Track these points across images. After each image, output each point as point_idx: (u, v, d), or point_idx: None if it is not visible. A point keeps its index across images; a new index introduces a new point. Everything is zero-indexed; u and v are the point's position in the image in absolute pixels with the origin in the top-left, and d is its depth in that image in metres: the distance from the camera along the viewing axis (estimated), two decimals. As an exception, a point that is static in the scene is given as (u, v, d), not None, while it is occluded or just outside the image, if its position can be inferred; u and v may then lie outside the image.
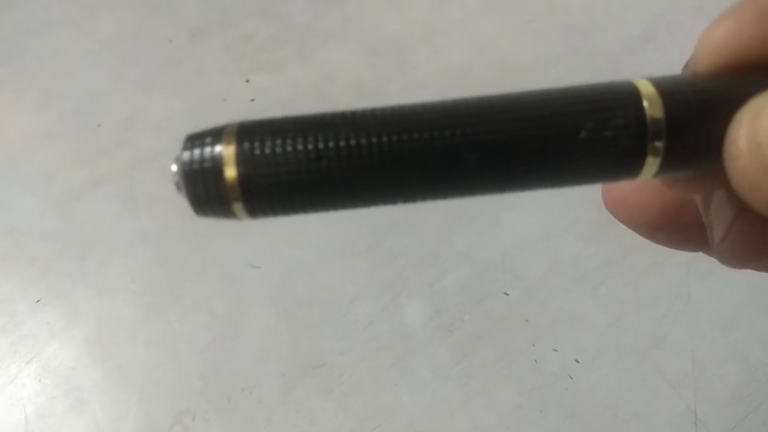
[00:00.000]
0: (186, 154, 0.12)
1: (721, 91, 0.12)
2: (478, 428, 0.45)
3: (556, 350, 0.48)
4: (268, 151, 0.12)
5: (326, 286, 0.51)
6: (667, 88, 0.12)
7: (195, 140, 0.12)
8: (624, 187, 0.17)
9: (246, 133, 0.12)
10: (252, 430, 0.46)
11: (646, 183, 0.16)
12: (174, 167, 0.12)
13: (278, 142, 0.12)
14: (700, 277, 0.50)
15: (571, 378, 0.47)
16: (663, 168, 0.12)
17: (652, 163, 0.12)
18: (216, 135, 0.12)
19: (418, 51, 0.63)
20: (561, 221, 0.53)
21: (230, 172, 0.12)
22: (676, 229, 0.17)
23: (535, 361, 0.48)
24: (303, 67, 0.62)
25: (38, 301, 0.50)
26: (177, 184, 0.12)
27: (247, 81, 0.61)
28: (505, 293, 0.50)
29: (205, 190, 0.12)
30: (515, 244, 0.52)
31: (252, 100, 0.61)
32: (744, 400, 0.46)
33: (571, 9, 0.66)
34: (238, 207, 0.12)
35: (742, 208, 0.12)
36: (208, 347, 0.48)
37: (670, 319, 0.49)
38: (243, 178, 0.12)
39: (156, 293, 0.51)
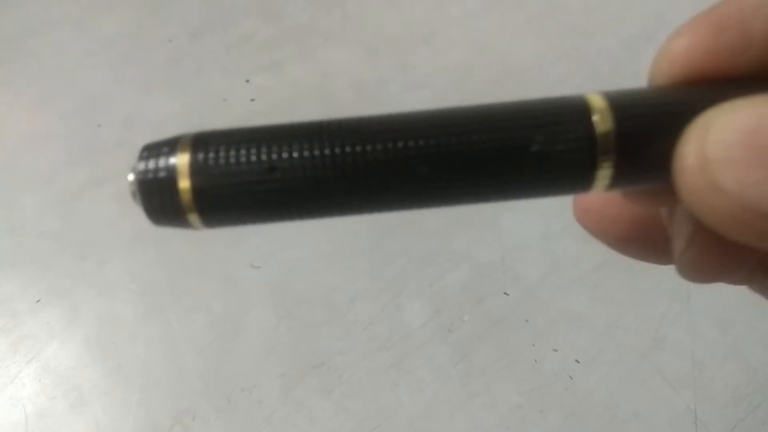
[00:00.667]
0: (141, 165, 0.12)
1: (675, 105, 0.12)
2: (478, 428, 0.45)
3: (556, 350, 0.48)
4: (222, 161, 0.12)
5: (326, 286, 0.51)
6: (619, 102, 0.12)
7: (151, 150, 0.12)
8: (594, 199, 0.17)
9: (201, 143, 0.12)
10: (252, 430, 0.46)
11: (616, 196, 0.16)
12: (130, 177, 0.12)
13: (232, 152, 0.12)
14: (700, 277, 0.50)
15: (571, 378, 0.47)
16: (615, 182, 0.12)
17: (603, 177, 0.12)
18: (171, 145, 0.12)
19: (418, 51, 0.63)
20: (560, 221, 0.53)
21: (184, 183, 0.12)
22: (647, 242, 0.17)
23: (535, 361, 0.48)
24: (303, 67, 0.62)
25: (38, 301, 0.50)
26: (133, 194, 0.12)
27: (247, 81, 0.61)
28: (505, 293, 0.50)
29: (160, 201, 0.12)
30: (515, 245, 0.52)
31: (252, 100, 0.61)
32: (744, 400, 0.46)
33: (571, 9, 0.66)
34: (193, 218, 0.12)
35: (700, 223, 0.12)
36: (208, 347, 0.48)
37: (670, 319, 0.49)
38: (197, 189, 0.12)
39: (156, 293, 0.51)
